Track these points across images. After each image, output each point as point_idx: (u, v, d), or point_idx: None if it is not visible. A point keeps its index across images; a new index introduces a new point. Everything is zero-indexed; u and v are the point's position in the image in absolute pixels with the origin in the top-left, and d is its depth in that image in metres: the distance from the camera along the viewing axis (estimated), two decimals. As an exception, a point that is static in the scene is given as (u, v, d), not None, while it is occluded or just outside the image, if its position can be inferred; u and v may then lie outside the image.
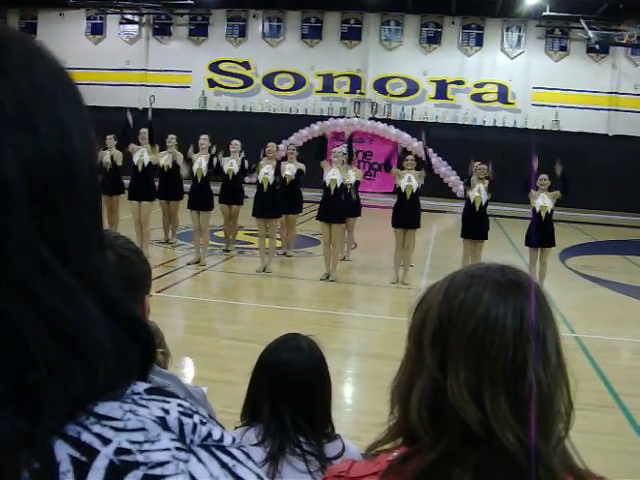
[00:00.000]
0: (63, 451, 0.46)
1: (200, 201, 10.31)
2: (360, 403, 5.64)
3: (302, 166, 11.04)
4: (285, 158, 11.69)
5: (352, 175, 10.47)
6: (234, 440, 0.53)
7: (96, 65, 24.23)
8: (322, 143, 10.46)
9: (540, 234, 9.37)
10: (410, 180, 9.80)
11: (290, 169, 11.02)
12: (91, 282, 0.51)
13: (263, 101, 24.97)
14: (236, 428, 2.03)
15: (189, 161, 10.52)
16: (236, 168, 10.74)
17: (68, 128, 0.51)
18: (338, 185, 9.69)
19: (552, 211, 9.47)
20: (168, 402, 0.52)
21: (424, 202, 10.66)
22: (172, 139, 11.16)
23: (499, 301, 0.98)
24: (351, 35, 24.91)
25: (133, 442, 0.48)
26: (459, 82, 24.24)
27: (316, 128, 24.04)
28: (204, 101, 25.16)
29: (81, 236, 0.52)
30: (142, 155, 10.60)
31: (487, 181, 9.63)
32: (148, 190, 10.75)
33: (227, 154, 10.75)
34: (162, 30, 25.84)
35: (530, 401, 0.93)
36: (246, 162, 10.77)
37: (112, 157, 11.10)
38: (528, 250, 9.79)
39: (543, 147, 19.36)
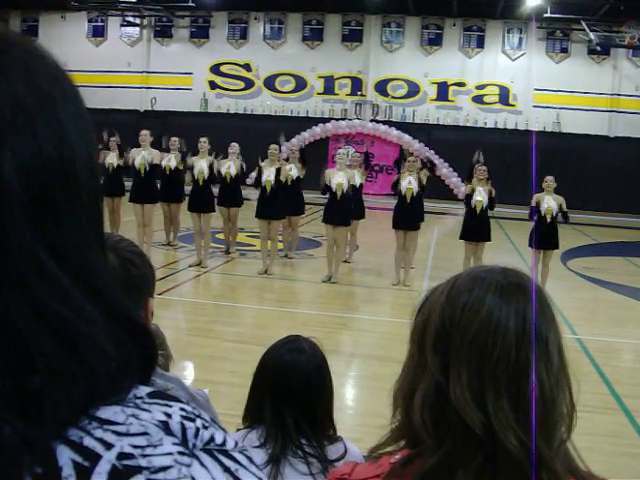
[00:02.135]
0: (65, 456, 0.46)
1: (201, 203, 10.31)
2: (362, 405, 5.63)
3: (302, 172, 11.27)
4: (287, 160, 11.81)
5: (357, 177, 10.49)
6: (236, 444, 0.53)
7: (97, 67, 24.28)
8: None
9: (544, 236, 9.31)
10: (410, 183, 9.79)
11: (292, 169, 11.09)
12: (91, 285, 0.51)
13: (264, 103, 24.99)
14: (238, 430, 2.03)
15: (190, 168, 10.52)
16: (233, 171, 10.76)
17: (67, 130, 0.51)
18: (345, 190, 9.69)
19: (557, 214, 9.40)
20: (170, 406, 0.52)
21: (425, 204, 10.68)
22: (175, 142, 11.14)
23: (501, 303, 0.97)
24: (352, 37, 24.93)
25: (135, 446, 0.48)
26: (460, 84, 24.25)
27: (317, 130, 24.05)
28: (205, 103, 25.19)
29: (81, 238, 0.51)
30: (144, 158, 10.57)
31: (489, 181, 9.59)
32: (150, 193, 10.75)
33: (226, 157, 10.79)
34: (163, 32, 25.88)
35: (532, 403, 0.93)
36: (244, 165, 10.85)
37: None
38: (530, 252, 9.75)
39: (544, 149, 19.44)
